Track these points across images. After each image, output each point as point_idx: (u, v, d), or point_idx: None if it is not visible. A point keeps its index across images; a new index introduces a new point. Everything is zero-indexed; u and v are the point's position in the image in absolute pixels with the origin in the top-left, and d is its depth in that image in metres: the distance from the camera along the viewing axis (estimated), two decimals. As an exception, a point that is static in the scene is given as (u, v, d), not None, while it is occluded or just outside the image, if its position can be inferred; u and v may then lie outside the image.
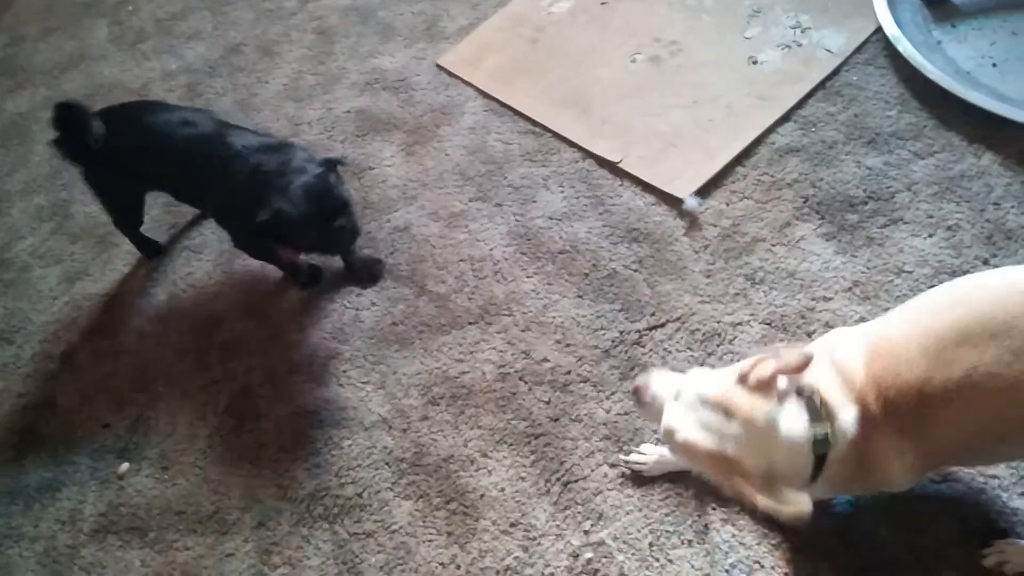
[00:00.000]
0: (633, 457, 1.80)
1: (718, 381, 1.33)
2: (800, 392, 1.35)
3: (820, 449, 1.28)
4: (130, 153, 2.14)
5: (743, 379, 1.33)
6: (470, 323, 2.15)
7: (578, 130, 2.46)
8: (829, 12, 2.49)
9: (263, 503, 1.95)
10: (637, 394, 1.48)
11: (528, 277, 2.20)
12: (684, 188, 2.22)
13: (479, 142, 2.55)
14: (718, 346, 1.95)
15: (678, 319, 2.02)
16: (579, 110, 2.52)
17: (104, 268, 2.56)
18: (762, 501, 1.24)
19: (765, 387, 1.31)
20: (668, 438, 1.34)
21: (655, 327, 2.02)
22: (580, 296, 2.12)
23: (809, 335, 1.91)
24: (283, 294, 2.34)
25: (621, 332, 2.03)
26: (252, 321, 2.30)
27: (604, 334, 2.04)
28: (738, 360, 1.37)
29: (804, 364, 1.28)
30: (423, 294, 2.24)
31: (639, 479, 1.78)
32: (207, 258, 2.47)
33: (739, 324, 1.97)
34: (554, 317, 2.10)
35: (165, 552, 1.93)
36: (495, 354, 2.07)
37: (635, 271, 2.13)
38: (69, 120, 2.12)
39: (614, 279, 2.13)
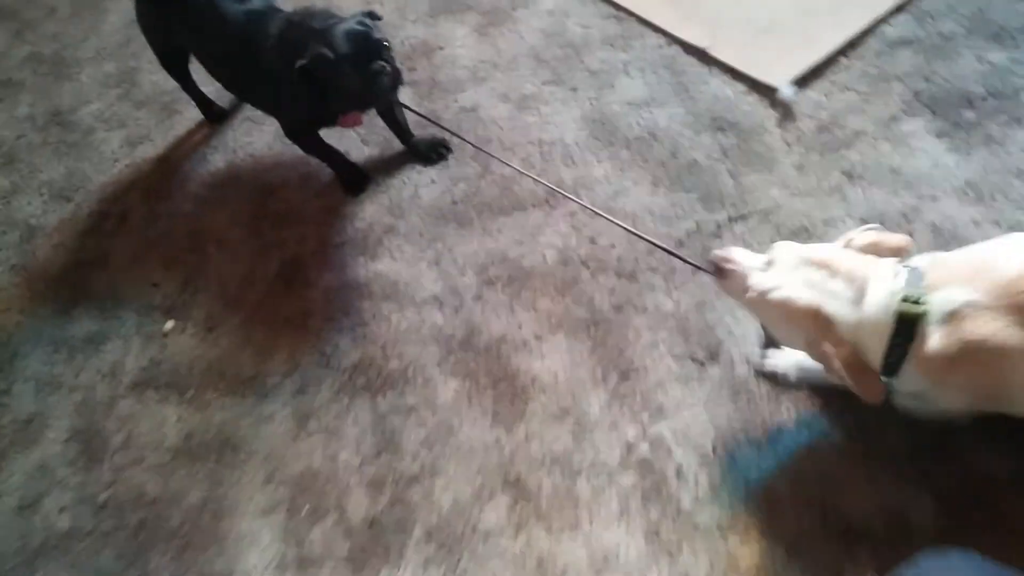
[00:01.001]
0: (771, 361, 1.60)
1: (821, 246, 1.32)
2: (906, 265, 1.23)
3: (910, 312, 1.16)
4: (172, 12, 2.08)
5: (847, 244, 1.32)
6: (534, 206, 2.01)
7: (665, 14, 2.27)
8: None
9: (305, 369, 1.86)
10: (718, 263, 1.39)
11: (600, 163, 2.04)
12: (780, 77, 2.02)
13: (557, 25, 2.38)
14: (805, 242, 1.77)
15: (762, 211, 1.84)
16: (668, -4, 2.32)
17: (166, 134, 2.49)
18: (842, 370, 1.19)
19: (871, 251, 1.28)
20: (762, 298, 1.28)
21: (736, 219, 1.85)
22: (655, 184, 1.96)
23: (911, 235, 1.71)
24: (341, 168, 2.23)
25: (698, 223, 1.87)
26: (309, 192, 2.20)
27: (679, 223, 1.88)
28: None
29: (905, 244, 1.28)
30: (487, 174, 2.11)
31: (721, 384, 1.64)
32: (268, 128, 2.38)
33: (831, 220, 1.79)
34: (625, 204, 1.95)
35: (203, 410, 1.87)
36: (558, 238, 1.93)
37: (718, 161, 1.96)
38: None
39: (694, 168, 1.96)
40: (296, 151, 2.21)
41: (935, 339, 1.15)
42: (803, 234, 1.78)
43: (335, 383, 1.83)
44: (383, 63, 1.81)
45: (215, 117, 2.45)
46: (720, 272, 1.39)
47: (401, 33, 2.52)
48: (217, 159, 2.36)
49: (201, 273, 2.12)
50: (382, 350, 1.85)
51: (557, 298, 1.84)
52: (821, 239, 1.76)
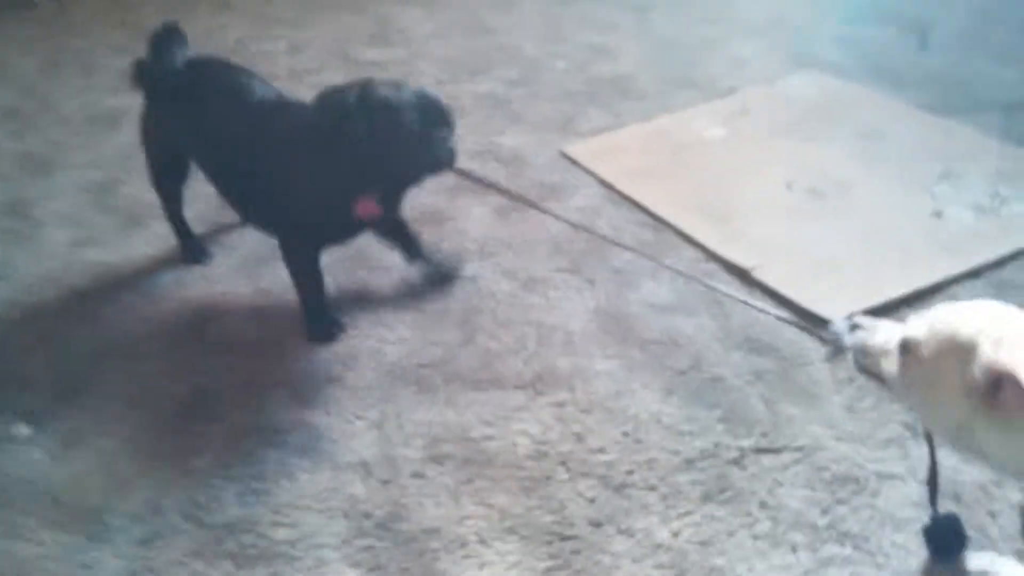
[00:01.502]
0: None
1: None
2: None
3: None
4: (181, 108, 1.87)
5: None
6: (516, 387, 1.62)
7: (708, 233, 2.03)
8: (1035, 189, 2.07)
9: (164, 516, 1.38)
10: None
11: (606, 358, 1.68)
12: (833, 310, 1.71)
13: (586, 221, 2.15)
14: (854, 494, 1.34)
15: (799, 448, 1.44)
16: (714, 217, 2.10)
17: (121, 243, 2.17)
18: None
19: None
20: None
21: (766, 450, 1.44)
22: (668, 392, 1.58)
23: (993, 515, 1.29)
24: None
25: (716, 444, 1.46)
26: (256, 320, 1.85)
27: (692, 441, 1.47)
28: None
29: None
30: (469, 344, 1.75)
31: None
32: (236, 254, 2.08)
33: (887, 475, 1.37)
34: (628, 406, 1.55)
35: (13, 539, 1.35)
36: (537, 427, 1.52)
37: (749, 384, 1.59)
38: (164, 40, 1.89)
39: (719, 385, 1.59)
40: (260, 283, 1.89)
41: None
42: (851, 483, 1.36)
43: (196, 541, 1.33)
44: (447, 132, 1.62)
45: (194, 257, 2.08)
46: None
47: (414, 200, 2.30)
48: (166, 276, 2.03)
49: (91, 381, 1.70)
50: (273, 513, 1.38)
51: (519, 496, 1.38)
52: (874, 497, 1.34)
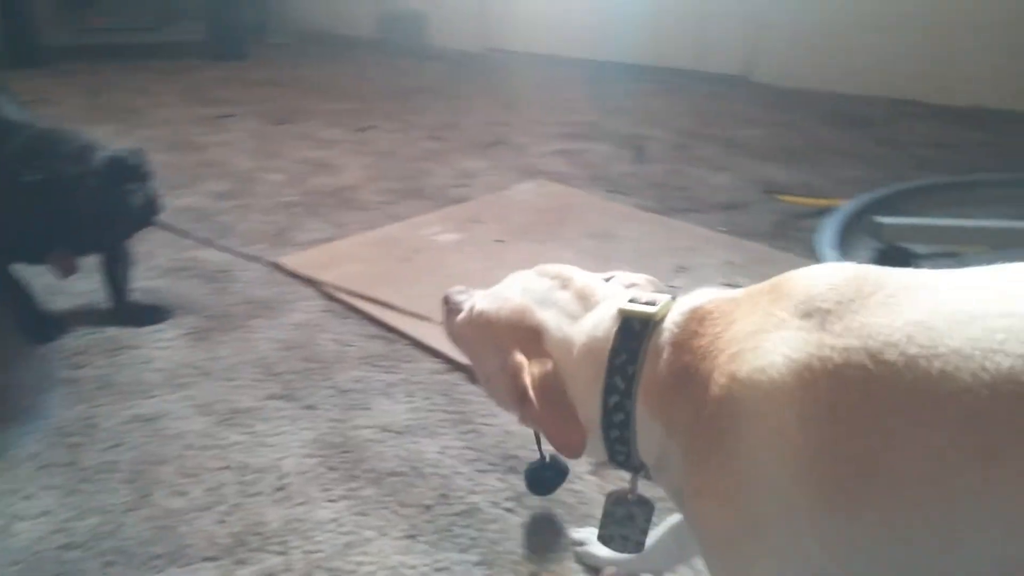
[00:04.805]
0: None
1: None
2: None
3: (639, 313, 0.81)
4: None
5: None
6: (208, 558, 1.18)
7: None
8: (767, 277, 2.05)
9: None
10: (449, 297, 1.06)
11: (331, 501, 1.30)
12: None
13: (304, 339, 1.80)
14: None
15: (580, 586, 1.14)
16: (452, 323, 1.85)
17: None
18: (530, 389, 0.83)
19: None
20: (470, 317, 0.97)
21: (538, 595, 1.13)
22: (412, 536, 1.23)
23: None
24: None
25: (476, 597, 1.12)
26: None
27: (445, 597, 1.12)
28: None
29: None
30: (142, 506, 1.28)
31: None
32: None
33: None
34: (361, 563, 1.18)
35: None
36: (234, 611, 1.09)
37: (509, 511, 1.29)
38: None
39: (473, 518, 1.27)
40: None
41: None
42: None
43: None
44: (139, 187, 1.64)
45: None
46: (448, 307, 1.05)
47: (86, 329, 1.82)
48: None
49: None
50: None
51: None
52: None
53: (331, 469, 1.38)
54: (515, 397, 0.85)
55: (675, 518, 1.03)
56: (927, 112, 3.65)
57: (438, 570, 1.16)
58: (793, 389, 0.65)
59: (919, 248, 2.04)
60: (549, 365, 0.84)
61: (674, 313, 0.80)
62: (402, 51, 5.43)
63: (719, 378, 0.70)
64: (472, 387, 1.61)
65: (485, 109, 3.97)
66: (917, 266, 1.99)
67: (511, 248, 2.27)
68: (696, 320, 0.77)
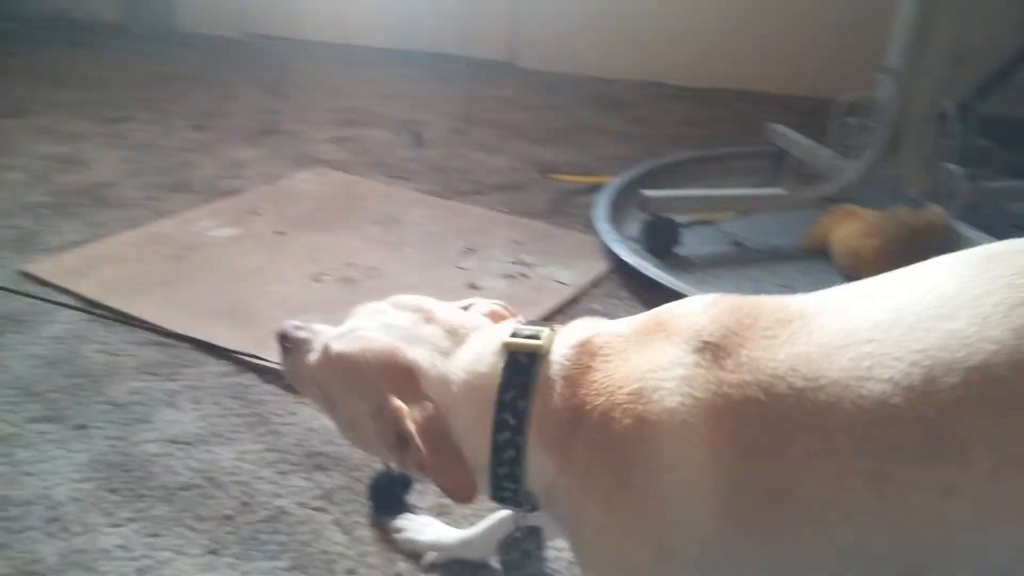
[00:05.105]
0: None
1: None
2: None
3: (521, 353, 0.80)
4: None
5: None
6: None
7: (237, 339, 1.66)
8: (554, 255, 2.13)
9: None
10: (285, 332, 0.99)
11: (115, 526, 1.19)
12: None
13: (66, 353, 1.61)
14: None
15: (402, 577, 1.13)
16: (237, 321, 1.74)
17: None
18: (415, 437, 0.78)
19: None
20: (325, 357, 0.90)
21: (361, 592, 1.10)
22: (214, 552, 1.15)
23: None
24: None
25: (293, 604, 1.07)
26: None
27: (257, 610, 1.06)
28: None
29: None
30: None
31: None
32: None
33: None
34: (158, 587, 1.08)
35: None
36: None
37: (319, 510, 1.24)
38: None
39: (280, 522, 1.21)
40: None
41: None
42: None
43: None
44: None
45: None
46: (286, 344, 0.98)
47: None
48: None
49: None
50: None
51: None
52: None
53: (112, 491, 1.26)
54: (392, 444, 0.81)
55: (502, 513, 1.04)
56: (676, 93, 3.96)
57: (246, 582, 1.10)
58: (703, 430, 0.68)
59: (680, 217, 2.22)
60: (431, 408, 0.81)
61: (560, 346, 0.80)
62: (149, 36, 5.01)
63: (623, 418, 0.71)
64: (267, 387, 1.53)
65: (252, 96, 3.77)
66: (679, 232, 2.18)
67: (293, 240, 2.18)
68: (587, 354, 0.77)
